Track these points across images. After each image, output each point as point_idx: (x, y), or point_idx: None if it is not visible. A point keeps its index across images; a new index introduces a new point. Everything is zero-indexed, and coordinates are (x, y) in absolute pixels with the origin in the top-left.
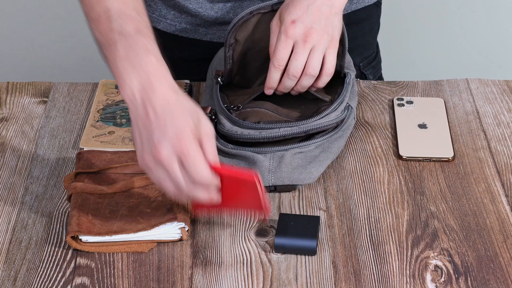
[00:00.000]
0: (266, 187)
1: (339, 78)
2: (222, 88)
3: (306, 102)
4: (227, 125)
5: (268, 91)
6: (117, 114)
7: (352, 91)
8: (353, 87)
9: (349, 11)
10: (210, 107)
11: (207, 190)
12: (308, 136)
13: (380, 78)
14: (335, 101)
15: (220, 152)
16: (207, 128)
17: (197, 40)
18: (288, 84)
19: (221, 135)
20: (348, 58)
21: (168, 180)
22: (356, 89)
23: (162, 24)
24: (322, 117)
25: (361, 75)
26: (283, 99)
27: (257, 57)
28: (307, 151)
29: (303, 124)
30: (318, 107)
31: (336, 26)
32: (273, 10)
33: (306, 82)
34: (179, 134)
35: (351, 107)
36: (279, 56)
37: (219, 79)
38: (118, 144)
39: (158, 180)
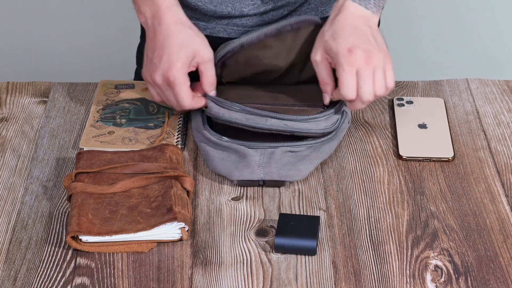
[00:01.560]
0: (255, 181)
1: None
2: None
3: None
4: (214, 108)
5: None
6: (116, 114)
7: None
8: None
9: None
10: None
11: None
12: (300, 137)
13: None
14: (328, 110)
15: (212, 143)
16: (204, 55)
17: None
18: (359, 107)
19: (213, 126)
20: None
21: (160, 97)
22: None
23: None
24: (311, 119)
25: None
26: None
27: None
28: (298, 151)
29: (291, 122)
30: (312, 104)
31: (383, 41)
32: (264, 44)
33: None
34: (170, 66)
35: (346, 112)
36: (350, 89)
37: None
38: (118, 144)
39: (153, 94)
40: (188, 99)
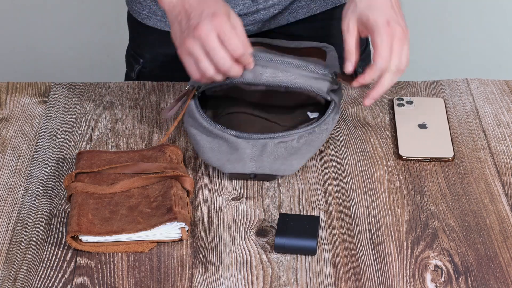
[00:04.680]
0: (246, 174)
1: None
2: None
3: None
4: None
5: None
6: None
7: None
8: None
9: (338, 4)
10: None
11: (240, 66)
12: (291, 128)
13: None
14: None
15: (202, 129)
16: (237, 20)
17: None
18: (391, 81)
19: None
20: (334, 55)
21: (205, 59)
22: (341, 86)
23: (152, 21)
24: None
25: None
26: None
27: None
28: (290, 141)
29: (284, 79)
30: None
31: (401, 15)
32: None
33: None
34: (215, 13)
35: (335, 102)
36: (385, 60)
37: (196, 92)
38: None
39: (194, 62)
40: (242, 40)
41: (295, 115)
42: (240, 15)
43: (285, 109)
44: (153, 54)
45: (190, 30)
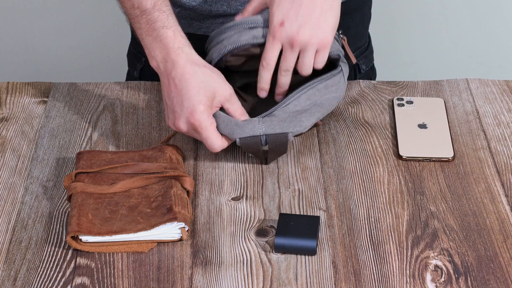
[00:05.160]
0: (256, 136)
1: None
2: None
3: None
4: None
5: (261, 93)
6: None
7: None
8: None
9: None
10: None
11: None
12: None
13: (372, 68)
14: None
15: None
16: (224, 92)
17: (191, 34)
18: (283, 80)
19: None
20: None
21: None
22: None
23: None
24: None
25: (353, 65)
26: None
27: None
28: (298, 103)
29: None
30: None
31: (330, 24)
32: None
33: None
34: (192, 110)
35: (341, 68)
36: (267, 56)
37: None
38: None
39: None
40: (218, 141)
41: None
42: None
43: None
44: None
45: (173, 117)
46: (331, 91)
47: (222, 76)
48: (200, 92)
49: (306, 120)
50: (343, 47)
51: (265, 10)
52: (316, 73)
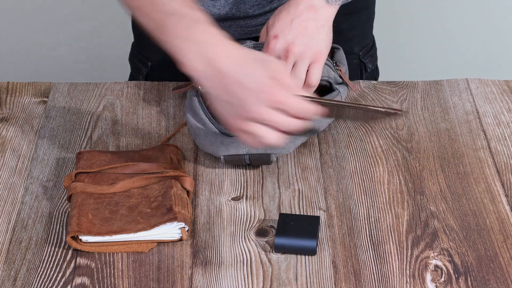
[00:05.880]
0: (241, 157)
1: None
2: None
3: None
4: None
5: None
6: None
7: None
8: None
9: (349, 0)
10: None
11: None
12: None
13: (376, 67)
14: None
15: (198, 116)
16: (279, 65)
17: None
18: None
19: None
20: (341, 55)
21: (269, 131)
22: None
23: None
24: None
25: (360, 64)
26: None
27: None
28: None
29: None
30: None
31: (323, 40)
32: None
33: None
34: (265, 89)
35: (339, 90)
36: None
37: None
38: None
39: (248, 142)
40: (308, 102)
41: None
42: (254, 16)
43: None
44: (161, 56)
45: (241, 112)
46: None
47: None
48: (259, 69)
49: (291, 143)
50: (340, 77)
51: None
52: None
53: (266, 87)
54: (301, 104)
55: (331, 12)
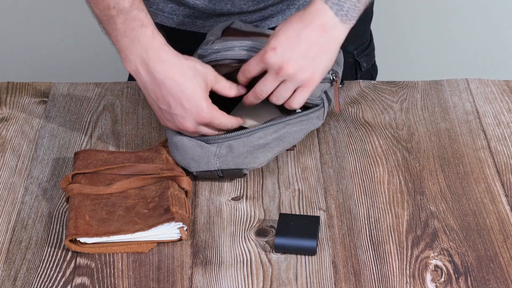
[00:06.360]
0: (211, 171)
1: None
2: None
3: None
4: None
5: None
6: None
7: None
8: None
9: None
10: None
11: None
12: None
13: (374, 66)
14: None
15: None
16: (210, 75)
17: (195, 32)
18: (250, 100)
19: None
20: (339, 57)
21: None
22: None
23: (159, 17)
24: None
25: (354, 63)
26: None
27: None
28: (263, 135)
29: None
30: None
31: (322, 65)
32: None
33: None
34: (198, 110)
35: (323, 105)
36: (246, 69)
37: None
38: None
39: (187, 134)
40: (232, 120)
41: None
42: (249, 12)
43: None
44: None
45: (173, 119)
46: (303, 124)
47: (199, 60)
48: (195, 87)
49: (262, 156)
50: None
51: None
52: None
53: (202, 109)
54: (224, 120)
55: (342, 32)
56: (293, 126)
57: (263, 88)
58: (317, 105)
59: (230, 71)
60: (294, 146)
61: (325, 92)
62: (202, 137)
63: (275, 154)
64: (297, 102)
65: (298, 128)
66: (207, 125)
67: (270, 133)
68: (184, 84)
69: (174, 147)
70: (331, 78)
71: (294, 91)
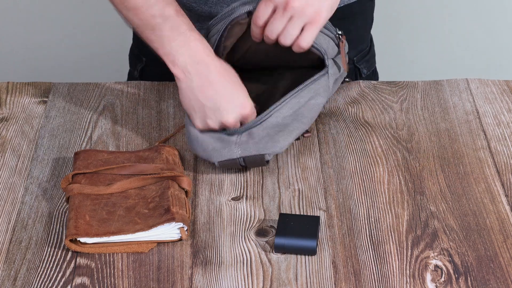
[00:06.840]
0: (233, 159)
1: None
2: None
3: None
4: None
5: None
6: None
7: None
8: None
9: (343, 4)
10: None
11: None
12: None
13: (374, 72)
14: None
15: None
16: (250, 106)
17: None
18: (266, 41)
19: None
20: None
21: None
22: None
23: None
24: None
25: (354, 69)
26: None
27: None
28: (280, 114)
29: None
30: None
31: (329, 2)
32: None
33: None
34: (244, 105)
35: (327, 70)
36: (257, 14)
37: None
38: None
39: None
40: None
41: (297, 76)
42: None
43: (287, 70)
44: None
45: (216, 114)
46: (315, 97)
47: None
48: (241, 86)
49: (283, 140)
50: (338, 46)
51: None
52: (301, 80)
53: (247, 106)
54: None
55: None
56: (304, 96)
57: (272, 28)
58: (322, 61)
59: (242, 31)
60: (309, 132)
61: (333, 60)
62: (223, 130)
63: (294, 137)
64: (305, 40)
65: (310, 100)
66: (244, 119)
67: (286, 111)
68: (234, 82)
69: (195, 141)
70: (336, 34)
71: (302, 30)
